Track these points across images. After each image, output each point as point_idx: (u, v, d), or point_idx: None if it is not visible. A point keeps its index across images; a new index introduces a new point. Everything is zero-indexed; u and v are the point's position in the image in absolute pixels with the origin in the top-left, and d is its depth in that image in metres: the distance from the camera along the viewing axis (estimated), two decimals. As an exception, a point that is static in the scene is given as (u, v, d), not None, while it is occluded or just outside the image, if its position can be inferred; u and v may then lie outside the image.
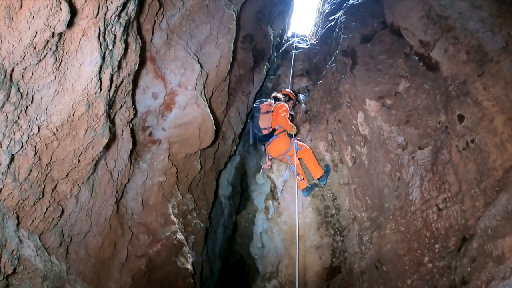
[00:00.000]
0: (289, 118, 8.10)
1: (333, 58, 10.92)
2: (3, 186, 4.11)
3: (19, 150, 4.12)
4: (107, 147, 6.29)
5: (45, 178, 4.91)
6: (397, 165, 7.42)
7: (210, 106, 9.16)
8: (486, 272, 4.82)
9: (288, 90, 9.19)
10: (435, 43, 7.57)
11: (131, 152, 7.33)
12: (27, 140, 4.20)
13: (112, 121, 6.11)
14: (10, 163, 4.04)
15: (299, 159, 8.70)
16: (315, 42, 14.14)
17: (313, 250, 9.04)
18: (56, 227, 5.73)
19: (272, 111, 8.26)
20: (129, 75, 6.06)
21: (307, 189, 8.62)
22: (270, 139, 8.22)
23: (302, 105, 10.77)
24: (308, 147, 8.66)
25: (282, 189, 9.54)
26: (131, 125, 7.20)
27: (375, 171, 7.97)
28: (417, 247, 6.67)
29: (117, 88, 5.73)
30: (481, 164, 5.81)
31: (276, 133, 8.16)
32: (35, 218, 5.08)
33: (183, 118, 8.41)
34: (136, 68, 6.18)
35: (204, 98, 8.74)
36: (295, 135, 8.67)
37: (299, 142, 8.57)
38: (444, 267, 6.08)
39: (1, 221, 4.10)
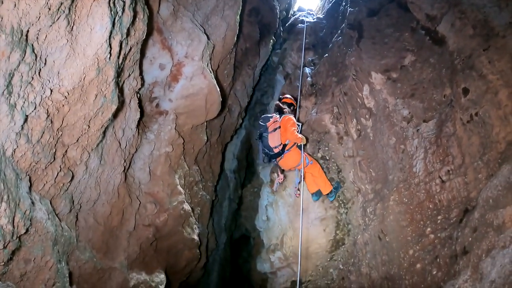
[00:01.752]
0: (297, 130, 7.94)
1: (339, 31, 10.91)
2: (17, 147, 4.21)
3: (32, 111, 4.21)
4: (115, 115, 6.37)
5: (56, 142, 5.01)
6: (402, 137, 7.46)
7: (216, 78, 9.16)
8: (487, 241, 4.89)
9: (288, 96, 8.86)
10: (442, 17, 7.55)
11: (138, 123, 7.39)
12: (40, 103, 4.29)
13: (120, 90, 6.17)
14: (23, 124, 4.14)
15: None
16: (321, 16, 14.08)
17: (317, 222, 9.14)
18: (66, 193, 5.85)
19: (280, 127, 7.97)
20: (137, 43, 6.10)
21: (332, 193, 8.42)
22: (282, 155, 8.00)
23: (308, 79, 10.77)
24: (316, 162, 8.48)
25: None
26: (138, 95, 7.25)
27: (380, 144, 8.02)
28: (420, 218, 6.75)
29: (125, 56, 5.78)
30: (485, 137, 5.87)
31: (287, 147, 7.96)
32: (47, 182, 5.19)
33: (189, 89, 8.45)
34: (144, 37, 6.21)
35: (211, 69, 8.75)
36: (305, 145, 8.59)
37: (309, 156, 8.39)
38: (446, 237, 6.16)
39: (15, 181, 4.21)
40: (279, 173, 8.62)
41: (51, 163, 5.07)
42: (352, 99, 8.91)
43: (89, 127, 5.38)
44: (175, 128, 8.62)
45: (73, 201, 6.13)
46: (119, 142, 6.83)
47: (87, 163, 6.03)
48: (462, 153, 6.31)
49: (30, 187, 4.80)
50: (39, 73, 4.11)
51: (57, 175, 5.33)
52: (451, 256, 5.86)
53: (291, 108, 8.58)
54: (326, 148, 9.41)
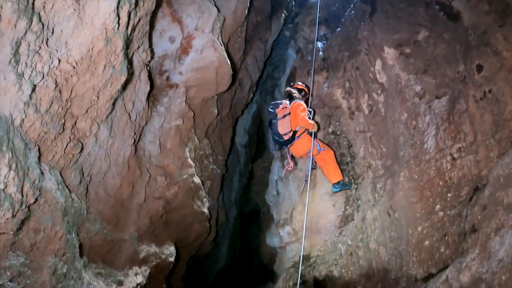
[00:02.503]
0: (308, 116, 7.66)
1: (352, 5, 10.72)
2: (25, 116, 4.22)
3: (40, 81, 4.21)
4: (125, 88, 6.38)
5: (65, 113, 5.02)
6: (414, 113, 7.38)
7: (227, 51, 9.09)
8: (496, 219, 4.88)
9: (300, 83, 8.60)
10: (457, -8, 7.40)
11: (148, 96, 7.40)
12: (48, 72, 4.28)
13: (130, 62, 6.15)
14: (32, 93, 4.14)
15: (316, 165, 8.46)
16: (334, -10, 13.85)
17: (327, 197, 9.15)
18: (76, 164, 5.90)
19: (289, 113, 7.75)
20: (146, 15, 6.05)
21: (338, 184, 8.16)
22: (292, 141, 7.86)
23: (320, 53, 10.66)
24: (330, 149, 8.22)
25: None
26: (148, 68, 7.23)
27: (391, 119, 7.95)
28: (430, 195, 6.72)
29: (134, 27, 5.74)
30: (498, 115, 5.79)
31: (298, 134, 7.80)
32: (56, 153, 5.23)
33: (200, 62, 8.40)
34: (153, 8, 6.16)
35: (221, 42, 8.68)
36: (317, 132, 8.31)
37: (321, 143, 8.13)
38: (455, 215, 6.14)
39: (23, 151, 4.24)
40: (290, 160, 8.44)
41: (60, 133, 5.09)
42: (364, 74, 8.81)
43: (98, 98, 5.37)
44: (185, 101, 8.60)
45: (83, 172, 6.18)
46: (129, 114, 6.83)
47: (97, 135, 6.05)
48: (474, 130, 6.23)
49: (39, 158, 4.83)
50: (46, 42, 4.10)
51: (66, 146, 5.37)
52: (459, 234, 5.85)
53: (302, 93, 8.34)
54: (337, 123, 9.35)
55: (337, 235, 8.82)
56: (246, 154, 15.11)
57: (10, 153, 3.93)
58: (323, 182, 9.15)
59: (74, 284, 5.92)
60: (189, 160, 8.87)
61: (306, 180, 8.11)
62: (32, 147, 4.57)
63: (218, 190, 11.69)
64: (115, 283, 7.32)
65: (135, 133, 7.20)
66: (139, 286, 7.85)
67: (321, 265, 8.57)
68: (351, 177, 8.97)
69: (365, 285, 7.54)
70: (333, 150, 8.24)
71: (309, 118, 7.69)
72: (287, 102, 7.93)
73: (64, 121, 5.09)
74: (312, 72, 9.56)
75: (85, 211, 6.38)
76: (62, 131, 5.12)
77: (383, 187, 7.76)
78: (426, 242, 6.33)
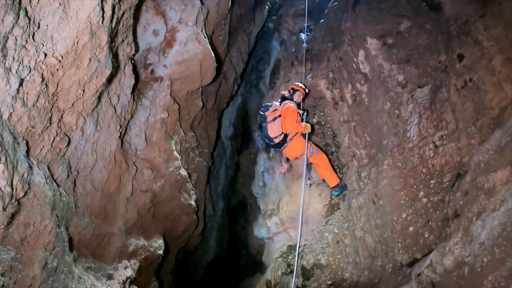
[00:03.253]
0: (299, 119, 7.57)
1: (335, -3, 10.81)
2: (13, 111, 4.24)
3: (27, 75, 4.22)
4: (110, 81, 6.39)
5: (52, 106, 5.03)
6: (397, 103, 7.49)
7: (211, 44, 9.10)
8: (478, 204, 4.99)
9: (296, 84, 8.20)
10: (439, -17, 7.49)
11: (133, 89, 7.39)
12: (34, 66, 4.29)
13: (114, 56, 6.15)
14: (19, 87, 4.16)
15: (311, 163, 8.29)
16: (317, -19, 13.90)
17: (313, 187, 9.24)
18: (64, 158, 5.90)
19: (280, 116, 7.54)
20: (130, 8, 6.05)
21: (337, 187, 8.09)
22: (285, 144, 7.67)
23: (304, 44, 10.72)
24: (322, 152, 8.13)
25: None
26: (133, 61, 7.23)
27: (375, 109, 8.05)
28: (413, 183, 6.84)
29: (118, 21, 5.74)
30: (478, 103, 5.92)
31: (289, 137, 7.59)
32: (43, 147, 5.24)
33: (184, 55, 8.40)
34: (137, 1, 6.15)
35: (205, 35, 8.69)
36: (310, 134, 8.14)
37: (314, 146, 7.98)
38: (438, 201, 6.26)
39: (12, 144, 4.26)
40: (283, 162, 8.35)
41: (47, 127, 5.10)
42: (347, 65, 8.89)
43: (83, 91, 5.38)
44: (170, 94, 8.61)
45: (70, 166, 6.19)
46: (114, 108, 6.84)
47: (83, 129, 6.06)
48: (456, 118, 6.36)
49: (27, 152, 4.85)
50: (33, 36, 4.11)
51: (53, 140, 5.37)
52: (443, 219, 5.97)
53: (296, 94, 8.03)
54: (322, 113, 9.44)
55: (324, 224, 8.92)
56: (232, 146, 15.14)
57: (0, 146, 3.95)
58: (309, 173, 9.24)
59: (64, 278, 5.95)
60: (175, 153, 8.90)
61: (306, 184, 8.01)
62: (20, 141, 4.58)
63: (205, 182, 11.72)
64: (105, 277, 7.34)
65: (120, 127, 7.20)
66: (128, 280, 7.89)
67: (309, 254, 8.67)
68: (336, 167, 9.06)
69: (352, 272, 7.65)
70: (325, 153, 8.21)
71: (302, 119, 7.71)
72: (277, 104, 7.78)
73: (51, 115, 5.09)
74: (304, 61, 9.63)
75: (73, 205, 6.39)
76: (49, 125, 5.13)
77: (368, 175, 7.86)
78: (411, 228, 6.45)
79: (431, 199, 6.43)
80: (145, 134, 8.27)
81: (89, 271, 6.97)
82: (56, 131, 5.36)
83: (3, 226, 4.40)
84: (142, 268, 8.52)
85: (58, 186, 5.86)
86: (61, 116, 5.37)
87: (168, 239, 9.70)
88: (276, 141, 7.55)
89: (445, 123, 6.58)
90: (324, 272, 8.21)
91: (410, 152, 7.00)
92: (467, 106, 6.12)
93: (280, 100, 7.89)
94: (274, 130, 7.50)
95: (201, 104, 10.13)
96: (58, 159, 5.74)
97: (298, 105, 8.02)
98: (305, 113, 8.13)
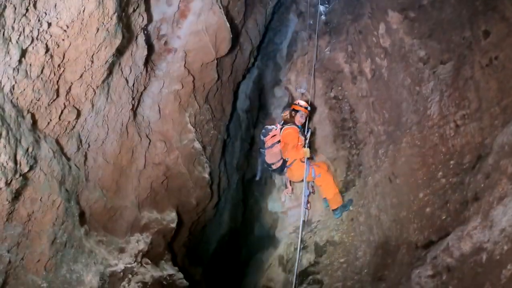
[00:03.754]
0: (300, 144, 7.24)
1: (356, -33, 10.47)
2: (16, 83, 4.10)
3: (29, 45, 4.07)
4: (121, 52, 6.23)
5: (58, 78, 4.89)
6: (417, 79, 7.29)
7: (226, 15, 8.82)
8: (500, 188, 4.79)
9: (297, 103, 7.68)
10: (465, -46, 7.15)
11: (146, 61, 7.24)
12: (37, 36, 4.13)
13: (126, 27, 5.97)
14: (21, 58, 4.01)
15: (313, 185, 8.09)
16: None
17: (329, 163, 9.12)
18: (73, 131, 5.81)
19: (279, 141, 7.27)
20: (141, -24, 5.86)
21: (340, 209, 7.81)
22: (285, 169, 7.48)
23: (322, 17, 10.45)
24: (327, 173, 7.75)
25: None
26: (145, 32, 7.05)
27: (394, 85, 7.85)
28: (432, 162, 6.70)
29: (129, -11, 5.57)
30: (503, 82, 5.66)
31: (288, 163, 7.37)
32: (51, 120, 5.13)
33: (198, 26, 8.17)
34: (149, -32, 5.96)
35: (220, 5, 8.44)
36: (311, 158, 7.78)
37: (316, 167, 7.60)
38: (457, 183, 6.10)
39: (15, 118, 4.15)
40: (288, 184, 8.13)
41: (54, 100, 4.97)
42: (367, 38, 8.65)
43: (92, 62, 5.22)
44: (184, 66, 8.42)
45: (80, 140, 6.11)
46: (126, 79, 6.69)
47: (93, 101, 5.93)
48: (479, 97, 6.13)
49: (33, 125, 4.74)
50: (34, 5, 3.92)
51: (61, 112, 5.26)
52: (461, 202, 5.81)
53: (298, 115, 7.53)
54: (339, 88, 9.24)
55: (339, 201, 8.83)
56: (247, 119, 14.96)
57: (0, 120, 3.84)
58: (325, 147, 9.13)
59: (75, 253, 5.95)
60: (189, 126, 8.77)
61: (306, 208, 7.79)
62: (25, 114, 4.47)
63: (220, 155, 11.61)
64: (117, 250, 7.35)
65: (133, 99, 7.08)
66: (141, 253, 7.89)
67: (322, 230, 8.61)
68: (352, 143, 8.91)
69: (365, 251, 7.56)
70: (331, 174, 7.94)
71: (306, 140, 7.41)
72: (278, 129, 7.50)
73: (58, 87, 4.95)
74: (316, 35, 9.39)
75: (84, 179, 6.34)
76: (56, 98, 5.00)
77: (385, 153, 7.72)
78: (427, 209, 6.31)
79: (450, 180, 6.28)
80: (158, 106, 8.15)
81: (100, 245, 6.96)
82: (64, 104, 5.24)
83: (8, 202, 4.32)
84: (155, 241, 8.51)
85: (68, 159, 5.79)
86: (69, 88, 5.23)
87: (182, 212, 9.66)
88: (274, 167, 7.43)
89: (467, 102, 6.34)
90: (337, 249, 8.15)
91: (429, 131, 6.84)
92: (491, 85, 5.88)
93: (281, 123, 7.59)
94: (272, 157, 7.35)
95: (216, 76, 9.93)
96: (67, 133, 5.64)
97: (303, 124, 7.70)
98: (309, 133, 7.74)
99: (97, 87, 5.82)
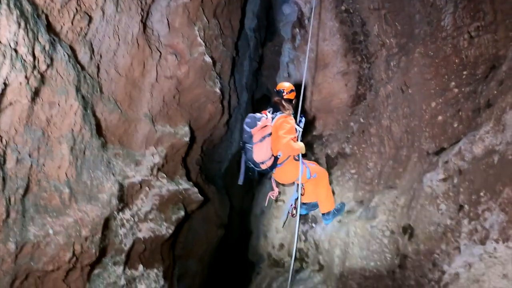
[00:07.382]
0: (296, 137, 5.55)
1: None
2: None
3: None
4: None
5: (70, -19, 4.84)
6: (431, -10, 7.15)
7: None
8: (512, 94, 4.91)
9: (284, 84, 5.93)
10: None
11: (154, -28, 7.10)
12: None
13: None
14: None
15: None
16: None
17: (339, 77, 9.11)
18: (85, 39, 5.83)
19: (270, 134, 5.38)
20: None
21: (331, 214, 6.16)
22: (273, 169, 5.64)
23: None
24: (323, 172, 6.06)
25: (310, 16, 9.21)
26: None
27: (407, -4, 7.72)
28: (445, 72, 6.71)
29: None
30: (520, -5, 5.62)
31: (280, 161, 5.54)
32: (64, 24, 5.15)
33: None
34: None
35: None
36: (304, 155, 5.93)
37: (312, 166, 5.89)
38: (470, 92, 6.16)
39: (32, 13, 4.17)
40: (274, 186, 6.14)
41: (66, 3, 4.96)
42: None
43: (102, -33, 5.16)
44: (192, -22, 8.24)
45: (92, 49, 6.12)
46: (135, -11, 6.61)
47: (103, 8, 5.90)
48: (494, 9, 6.09)
49: (48, 27, 4.74)
50: None
51: (73, 17, 5.27)
52: (473, 109, 5.89)
53: (291, 95, 5.78)
54: (350, 1, 9.00)
55: (349, 114, 8.90)
56: (255, 38, 14.75)
57: (18, 11, 3.85)
58: (335, 61, 9.09)
59: (94, 160, 6.08)
60: (199, 39, 8.67)
61: (292, 214, 6.08)
62: (40, 13, 4.46)
63: (229, 73, 11.58)
64: (133, 162, 7.54)
65: (142, 10, 7.00)
66: (156, 166, 8.09)
67: (333, 142, 8.74)
68: (364, 56, 8.83)
69: (376, 162, 7.73)
70: (327, 172, 6.35)
71: (297, 136, 5.71)
72: (269, 118, 5.53)
73: (69, -10, 4.93)
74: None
75: (98, 89, 6.39)
76: (68, 1, 4.98)
77: (397, 64, 7.69)
78: (439, 118, 6.40)
79: (463, 89, 6.33)
80: (167, 19, 8.03)
81: (117, 158, 7.14)
82: (76, 8, 5.24)
83: (27, 100, 4.39)
84: (169, 155, 8.71)
85: (82, 68, 5.82)
86: (79, -6, 5.20)
87: (194, 128, 9.80)
88: (263, 167, 5.49)
89: (482, 14, 6.30)
90: (348, 161, 8.32)
91: (443, 42, 6.80)
92: (507, -4, 5.84)
93: (271, 111, 5.73)
94: (261, 154, 5.41)
95: (224, -11, 9.74)
96: (80, 39, 5.66)
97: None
98: (303, 123, 5.95)
99: (106, -6, 5.77)
